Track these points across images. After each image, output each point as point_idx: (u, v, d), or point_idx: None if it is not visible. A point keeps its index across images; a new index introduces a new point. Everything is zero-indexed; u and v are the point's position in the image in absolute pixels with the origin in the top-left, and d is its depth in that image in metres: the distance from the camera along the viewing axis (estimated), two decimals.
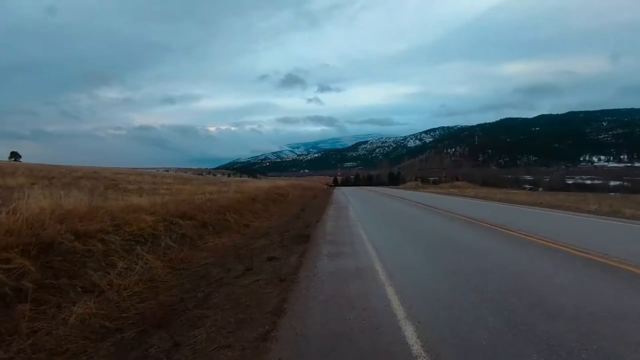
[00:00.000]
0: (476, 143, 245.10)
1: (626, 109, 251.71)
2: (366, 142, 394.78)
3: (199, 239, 8.77)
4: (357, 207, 16.44)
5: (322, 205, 18.58)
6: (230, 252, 7.36)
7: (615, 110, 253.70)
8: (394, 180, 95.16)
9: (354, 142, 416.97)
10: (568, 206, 15.36)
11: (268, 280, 4.31)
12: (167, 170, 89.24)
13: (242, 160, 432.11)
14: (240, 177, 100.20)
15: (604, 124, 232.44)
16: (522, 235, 6.96)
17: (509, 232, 7.53)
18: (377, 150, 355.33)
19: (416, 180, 77.89)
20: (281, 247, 6.65)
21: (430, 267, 4.78)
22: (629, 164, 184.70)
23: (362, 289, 3.87)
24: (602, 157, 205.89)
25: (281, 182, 44.94)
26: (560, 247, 5.78)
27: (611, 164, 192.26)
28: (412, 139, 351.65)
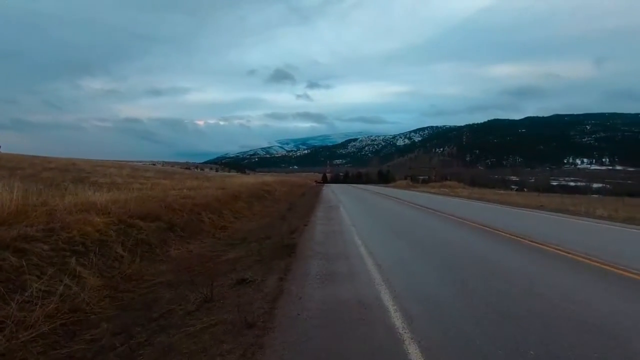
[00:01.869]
0: (464, 143, 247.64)
1: (609, 113, 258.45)
2: (356, 139, 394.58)
3: (160, 246, 7.29)
4: (349, 207, 15.10)
5: (311, 204, 17.19)
6: (195, 265, 5.91)
7: (598, 114, 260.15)
8: (384, 179, 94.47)
9: (343, 140, 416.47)
10: (574, 210, 14.42)
11: (230, 325, 2.91)
12: (154, 164, 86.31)
13: (230, 155, 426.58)
14: (229, 172, 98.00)
15: (588, 127, 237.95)
16: (559, 252, 5.69)
17: (540, 246, 6.26)
18: (366, 148, 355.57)
19: (406, 179, 77.27)
20: (258, 262, 5.25)
21: (464, 303, 3.44)
22: (610, 167, 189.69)
23: (371, 347, 2.51)
24: (585, 160, 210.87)
25: (268, 178, 43.30)
26: (627, 274, 4.48)
27: (593, 167, 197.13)
28: (401, 137, 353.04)
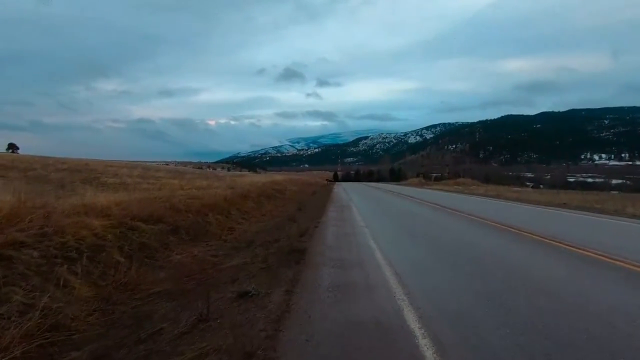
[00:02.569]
0: (477, 140, 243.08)
1: (628, 107, 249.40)
2: (367, 137, 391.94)
3: (162, 251, 6.88)
4: (361, 206, 14.52)
5: (322, 203, 16.67)
6: (197, 273, 5.46)
7: (616, 108, 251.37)
8: (395, 176, 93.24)
9: (354, 138, 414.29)
10: (601, 208, 13.50)
11: (225, 355, 2.41)
12: (167, 164, 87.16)
13: (242, 155, 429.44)
14: (240, 171, 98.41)
15: (606, 121, 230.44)
16: (608, 260, 5.00)
17: (582, 251, 5.59)
18: (377, 145, 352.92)
19: (418, 176, 75.99)
20: (263, 270, 4.75)
21: (507, 327, 2.86)
22: (630, 163, 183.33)
23: None
24: (604, 156, 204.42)
25: (279, 176, 42.96)
26: None
27: (612, 162, 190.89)
28: (412, 134, 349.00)
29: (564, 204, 16.42)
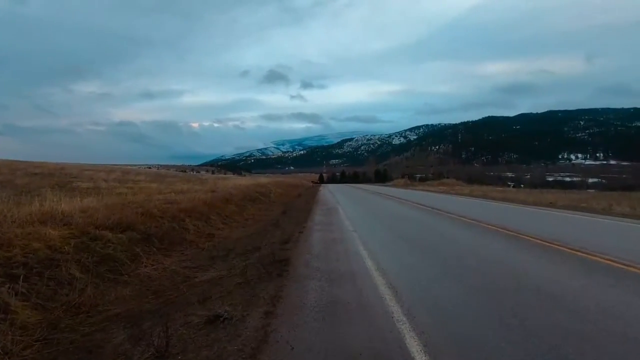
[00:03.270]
0: (460, 141, 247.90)
1: (602, 109, 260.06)
2: (351, 139, 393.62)
3: (129, 263, 6.16)
4: (348, 209, 14.03)
5: (308, 206, 16.11)
6: (166, 289, 4.81)
7: (591, 109, 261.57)
8: (381, 178, 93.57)
9: (339, 139, 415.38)
10: (588, 207, 13.49)
11: None
12: (150, 167, 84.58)
13: (226, 157, 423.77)
14: (225, 174, 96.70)
15: (581, 123, 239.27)
16: (623, 266, 4.68)
17: (593, 257, 5.26)
18: (362, 147, 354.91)
19: (403, 177, 76.40)
20: (240, 286, 4.16)
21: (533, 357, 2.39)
22: (605, 162, 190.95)
23: None
24: (580, 155, 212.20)
25: (263, 179, 42.08)
26: None
27: (588, 162, 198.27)
28: (396, 136, 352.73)
29: (551, 203, 16.43)
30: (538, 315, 3.01)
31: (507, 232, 7.40)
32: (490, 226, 8.26)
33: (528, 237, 6.68)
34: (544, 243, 6.12)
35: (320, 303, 3.45)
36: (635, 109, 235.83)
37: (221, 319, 3.10)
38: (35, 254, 4.97)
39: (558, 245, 5.86)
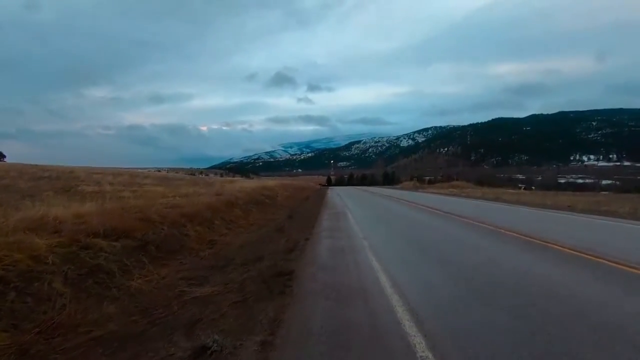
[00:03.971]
0: (468, 143, 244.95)
1: (614, 109, 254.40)
2: (359, 141, 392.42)
3: (121, 274, 5.69)
4: (357, 214, 13.45)
5: (315, 210, 15.59)
6: (156, 306, 4.33)
7: (604, 110, 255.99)
8: (389, 180, 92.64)
9: (347, 142, 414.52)
10: (611, 211, 12.67)
11: None
12: (159, 170, 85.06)
13: (235, 160, 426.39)
14: (233, 177, 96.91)
15: (594, 123, 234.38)
16: None
17: None
18: (370, 149, 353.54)
19: (412, 179, 75.39)
20: (236, 306, 3.65)
21: None
22: (618, 163, 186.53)
23: None
24: (592, 157, 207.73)
25: (270, 182, 41.69)
26: None
27: (601, 163, 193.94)
28: (405, 138, 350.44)
29: (569, 206, 15.62)
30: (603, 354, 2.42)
31: (533, 240, 6.75)
32: (512, 233, 7.60)
33: (558, 247, 6.02)
34: (580, 254, 5.45)
35: (327, 330, 2.91)
36: None
37: (209, 350, 2.59)
38: (15, 266, 4.52)
39: (597, 258, 5.20)
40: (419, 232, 8.45)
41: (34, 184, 18.42)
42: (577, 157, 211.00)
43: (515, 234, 7.42)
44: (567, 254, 5.55)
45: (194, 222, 10.47)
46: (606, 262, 4.93)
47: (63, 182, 20.64)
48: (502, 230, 7.99)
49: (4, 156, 65.42)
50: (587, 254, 5.39)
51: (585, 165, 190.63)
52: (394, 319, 3.12)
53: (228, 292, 4.25)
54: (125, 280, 5.46)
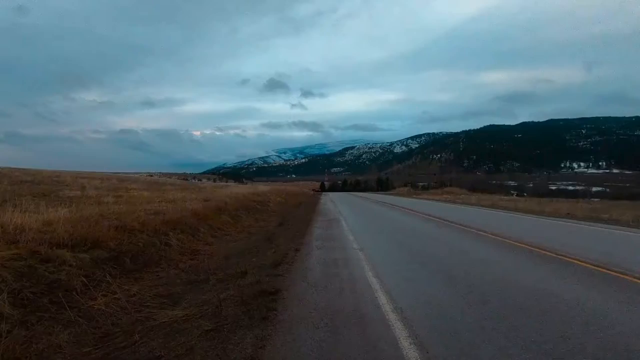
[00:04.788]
0: (461, 149, 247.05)
1: (603, 117, 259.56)
2: (353, 147, 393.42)
3: (84, 292, 5.02)
4: (351, 221, 12.84)
5: (307, 217, 14.95)
6: (116, 334, 3.66)
7: (592, 118, 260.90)
8: (383, 186, 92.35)
9: (340, 148, 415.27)
10: (612, 219, 12.30)
11: None
12: (151, 175, 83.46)
13: (228, 165, 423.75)
14: (226, 182, 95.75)
15: (583, 131, 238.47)
16: None
17: None
18: (364, 155, 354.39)
19: (406, 185, 75.18)
20: (208, 335, 3.02)
21: None
22: (607, 170, 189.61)
23: None
24: (582, 164, 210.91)
25: (263, 187, 40.93)
26: None
27: (590, 170, 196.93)
28: (398, 144, 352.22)
29: (568, 214, 15.24)
30: None
31: (543, 252, 6.22)
32: (519, 244, 7.07)
33: (577, 261, 5.47)
34: (608, 272, 4.92)
35: None
36: (637, 117, 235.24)
37: None
38: None
39: (623, 275, 4.67)
40: (419, 243, 7.86)
41: (12, 188, 17.47)
42: (567, 164, 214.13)
43: (526, 246, 6.89)
44: (593, 271, 4.98)
45: (178, 229, 9.79)
46: (636, 280, 4.40)
47: (45, 186, 19.71)
48: (511, 241, 7.45)
49: None
50: (614, 271, 4.85)
51: (575, 173, 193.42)
52: (400, 355, 2.52)
53: (201, 317, 3.61)
54: (88, 299, 4.77)
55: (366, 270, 5.06)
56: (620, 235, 8.82)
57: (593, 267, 5.08)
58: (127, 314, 4.35)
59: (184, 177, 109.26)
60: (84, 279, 5.37)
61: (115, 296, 4.97)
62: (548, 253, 6.10)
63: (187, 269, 6.92)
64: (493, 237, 8.11)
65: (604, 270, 4.89)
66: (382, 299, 3.76)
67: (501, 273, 4.85)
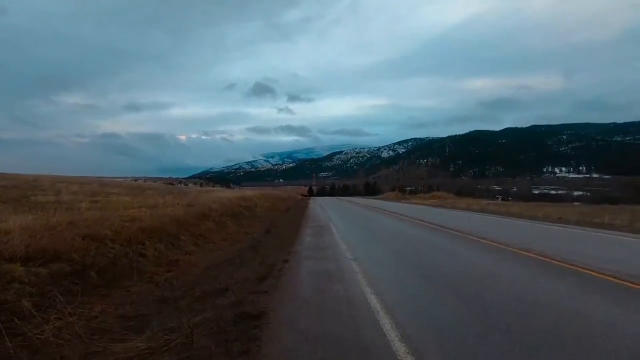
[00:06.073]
0: (447, 154, 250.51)
1: (583, 123, 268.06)
2: (341, 152, 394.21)
3: (34, 315, 4.29)
4: (342, 228, 12.26)
5: (296, 223, 14.30)
6: None
7: (573, 124, 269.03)
8: (371, 190, 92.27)
9: (328, 152, 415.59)
10: (606, 223, 12.11)
11: None
12: (136, 180, 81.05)
13: (215, 170, 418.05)
14: (213, 186, 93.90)
15: (564, 137, 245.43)
16: None
17: None
18: (351, 160, 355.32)
19: (394, 190, 75.21)
20: None
21: None
22: (587, 175, 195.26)
23: None
24: (563, 169, 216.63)
25: (249, 192, 39.98)
26: None
27: (571, 175, 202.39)
28: (385, 149, 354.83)
29: (560, 218, 15.07)
30: None
31: (550, 261, 5.78)
32: (522, 252, 6.62)
33: (595, 273, 5.01)
34: (631, 285, 4.45)
35: None
36: (614, 124, 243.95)
37: None
38: None
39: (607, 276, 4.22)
40: (417, 252, 7.31)
41: None
42: (550, 168, 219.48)
43: (527, 254, 6.44)
44: (611, 282, 4.52)
45: (155, 238, 9.03)
46: None
47: (19, 191, 18.46)
48: (514, 249, 7.00)
49: None
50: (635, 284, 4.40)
51: (557, 177, 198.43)
52: None
53: (167, 350, 2.95)
54: (40, 322, 4.03)
55: (363, 285, 4.47)
56: (622, 241, 8.50)
57: (615, 280, 4.61)
58: (80, 343, 3.65)
59: (170, 181, 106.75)
60: (37, 299, 4.63)
61: (70, 319, 4.23)
62: (553, 261, 5.66)
63: (162, 282, 6.20)
64: (496, 245, 7.63)
65: (627, 283, 4.43)
66: (386, 323, 3.18)
67: (518, 290, 4.29)
